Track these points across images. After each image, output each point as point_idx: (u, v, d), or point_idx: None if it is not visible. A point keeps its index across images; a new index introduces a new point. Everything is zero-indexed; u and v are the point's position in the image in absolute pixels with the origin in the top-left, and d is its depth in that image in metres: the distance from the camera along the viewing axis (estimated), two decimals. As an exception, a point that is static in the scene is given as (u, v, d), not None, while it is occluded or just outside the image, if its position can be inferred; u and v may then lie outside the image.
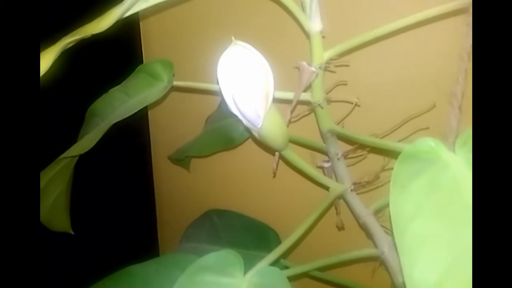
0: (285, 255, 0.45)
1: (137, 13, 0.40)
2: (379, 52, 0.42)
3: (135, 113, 0.40)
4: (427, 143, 0.26)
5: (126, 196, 0.67)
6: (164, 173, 0.65)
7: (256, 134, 0.34)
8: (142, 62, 0.56)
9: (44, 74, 0.23)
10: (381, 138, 0.42)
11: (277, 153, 0.39)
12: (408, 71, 0.43)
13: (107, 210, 0.66)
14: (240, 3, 0.47)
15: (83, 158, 0.46)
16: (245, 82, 0.29)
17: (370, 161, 0.44)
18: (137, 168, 0.67)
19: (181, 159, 0.59)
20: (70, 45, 0.24)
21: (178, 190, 0.65)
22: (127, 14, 0.26)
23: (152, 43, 0.55)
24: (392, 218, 0.24)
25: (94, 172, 0.62)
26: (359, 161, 0.45)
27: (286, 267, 0.41)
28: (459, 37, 0.35)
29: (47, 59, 0.22)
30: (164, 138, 0.63)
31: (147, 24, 0.54)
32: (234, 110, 0.32)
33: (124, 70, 0.46)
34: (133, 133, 0.64)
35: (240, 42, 0.28)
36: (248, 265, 0.31)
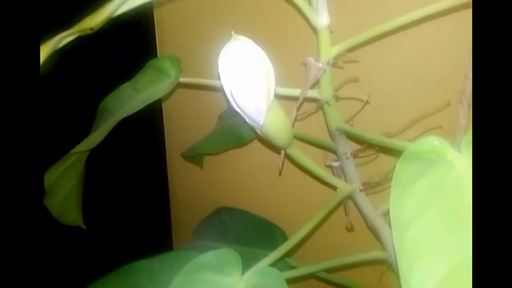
0: (290, 254, 0.45)
1: (151, 4, 0.40)
2: (390, 47, 0.40)
3: (149, 109, 0.41)
4: (431, 142, 0.24)
5: (140, 192, 0.68)
6: (179, 170, 0.65)
7: (259, 132, 0.33)
8: (156, 55, 0.57)
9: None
10: (392, 137, 0.41)
11: (282, 151, 0.38)
12: (421, 66, 0.41)
13: (121, 205, 0.67)
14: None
15: (98, 154, 0.47)
16: (245, 78, 0.29)
17: (381, 161, 0.43)
18: (152, 165, 0.68)
19: (194, 156, 0.59)
20: (64, 42, 0.24)
21: (192, 187, 0.65)
22: (122, 10, 0.26)
23: (166, 37, 0.55)
24: (391, 220, 0.23)
25: (108, 167, 0.63)
26: (370, 161, 0.43)
27: (293, 267, 0.41)
28: (468, 31, 0.34)
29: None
30: (179, 135, 0.64)
31: (161, 17, 0.54)
32: (235, 107, 0.31)
33: (139, 64, 0.47)
34: (148, 130, 0.65)
35: (240, 37, 0.28)
36: (253, 263, 0.31)
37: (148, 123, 0.64)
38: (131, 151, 0.65)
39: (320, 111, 0.43)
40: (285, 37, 0.45)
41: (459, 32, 0.39)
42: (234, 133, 0.51)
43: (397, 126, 0.41)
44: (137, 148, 0.66)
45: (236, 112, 0.49)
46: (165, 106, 0.62)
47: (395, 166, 0.42)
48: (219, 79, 0.31)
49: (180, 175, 0.66)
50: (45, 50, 0.22)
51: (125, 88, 0.45)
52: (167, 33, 0.55)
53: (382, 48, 0.40)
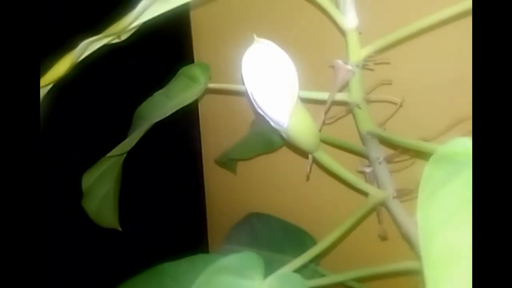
0: (319, 261, 0.44)
1: (188, 14, 0.40)
2: (422, 47, 0.39)
3: (187, 116, 0.41)
4: (463, 143, 0.23)
5: (177, 197, 0.69)
6: (214, 175, 0.66)
7: (284, 135, 0.33)
8: (193, 61, 0.58)
9: (65, 79, 0.24)
10: (428, 142, 0.39)
11: (310, 156, 0.38)
12: (456, 68, 0.39)
13: (157, 210, 0.69)
14: (274, 1, 0.46)
15: (136, 158, 0.48)
16: (267, 81, 0.28)
17: (416, 168, 0.41)
18: (188, 170, 0.69)
19: (226, 162, 0.60)
20: (91, 50, 0.25)
21: (226, 193, 0.66)
22: (149, 16, 0.27)
23: (202, 44, 0.56)
24: (419, 225, 0.21)
25: (145, 171, 0.65)
26: (405, 167, 0.41)
27: (323, 275, 0.40)
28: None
29: (63, 65, 0.23)
30: (215, 141, 0.65)
31: (197, 23, 0.55)
32: (259, 110, 0.31)
33: (175, 70, 0.48)
34: (185, 135, 0.67)
35: (261, 40, 0.28)
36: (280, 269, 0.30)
37: (185, 129, 0.65)
38: (168, 156, 0.67)
39: (351, 116, 0.42)
40: (313, 40, 0.45)
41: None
42: (265, 138, 0.51)
43: (432, 130, 0.39)
44: (173, 153, 0.68)
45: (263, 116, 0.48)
46: (201, 112, 0.63)
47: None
48: (243, 83, 0.31)
49: (216, 181, 0.67)
50: (70, 58, 0.23)
51: (159, 96, 0.47)
52: (203, 39, 0.56)
53: (414, 48, 0.38)
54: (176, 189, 0.69)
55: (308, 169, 0.38)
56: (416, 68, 0.41)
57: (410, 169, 0.42)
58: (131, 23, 0.25)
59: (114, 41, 0.27)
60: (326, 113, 0.37)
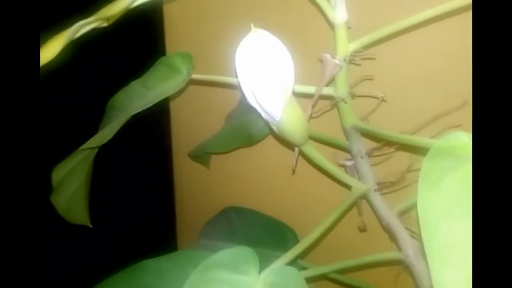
0: (302, 255, 0.44)
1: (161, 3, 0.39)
2: (406, 44, 0.40)
3: (157, 108, 0.40)
4: (460, 138, 0.24)
5: (146, 191, 0.67)
6: (185, 168, 0.64)
7: (275, 128, 0.33)
8: (164, 52, 0.56)
9: (55, 63, 0.22)
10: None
11: (296, 149, 0.38)
12: (438, 64, 0.40)
13: (126, 204, 0.66)
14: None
15: (104, 152, 0.46)
16: (264, 72, 0.28)
17: (395, 161, 0.42)
18: (158, 163, 0.67)
19: (200, 155, 0.58)
20: (80, 34, 0.24)
21: (198, 186, 0.64)
22: (138, 2, 0.25)
23: (175, 33, 0.55)
24: (420, 218, 0.22)
25: (114, 166, 0.63)
26: (384, 160, 0.43)
27: (304, 268, 0.40)
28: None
29: (53, 48, 0.22)
30: (186, 133, 0.63)
31: (170, 12, 0.54)
32: (253, 102, 0.31)
33: (147, 61, 0.46)
34: (155, 128, 0.64)
35: (259, 30, 0.27)
36: (264, 264, 0.30)
37: (155, 121, 0.63)
38: (138, 149, 0.65)
39: (334, 109, 0.42)
40: (300, 33, 0.44)
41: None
42: (244, 131, 0.51)
43: (412, 125, 0.40)
44: (143, 146, 0.65)
45: (250, 108, 0.48)
46: (172, 104, 0.61)
47: (409, 166, 0.42)
48: (235, 74, 0.30)
49: (187, 174, 0.65)
50: (62, 40, 0.21)
51: (135, 85, 0.45)
52: (176, 29, 0.54)
53: (398, 45, 0.39)
54: (144, 182, 0.67)
55: (294, 163, 0.38)
56: (397, 65, 0.42)
57: (387, 163, 0.43)
58: (129, 5, 0.23)
59: (103, 25, 0.25)
60: (313, 106, 0.37)
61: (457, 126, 0.38)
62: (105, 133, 0.39)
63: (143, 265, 0.36)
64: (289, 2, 0.44)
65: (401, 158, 0.42)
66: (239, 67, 0.29)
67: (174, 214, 0.68)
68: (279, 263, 0.29)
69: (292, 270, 0.28)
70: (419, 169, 0.42)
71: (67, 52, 0.29)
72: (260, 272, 0.28)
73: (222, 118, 0.55)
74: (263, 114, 0.31)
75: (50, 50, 0.22)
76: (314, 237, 0.33)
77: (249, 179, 0.57)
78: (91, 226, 0.51)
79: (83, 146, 0.41)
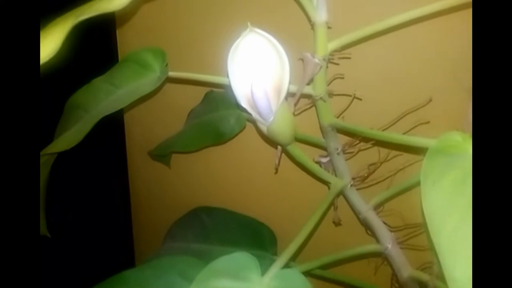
0: (277, 253, 0.44)
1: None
2: (378, 45, 0.41)
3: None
4: (454, 137, 0.25)
5: (100, 195, 0.63)
6: (141, 170, 0.61)
7: (264, 128, 0.32)
8: (116, 51, 0.52)
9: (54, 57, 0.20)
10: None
11: (279, 148, 0.38)
12: (410, 64, 0.43)
13: (80, 209, 0.62)
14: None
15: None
16: (262, 73, 0.27)
17: (366, 155, 0.44)
18: (111, 165, 0.64)
19: (164, 155, 0.56)
20: (77, 22, 0.21)
21: (156, 188, 0.61)
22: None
23: (127, 29, 0.51)
24: (425, 215, 0.23)
25: (63, 168, 0.58)
26: (354, 154, 0.44)
27: (288, 267, 0.40)
28: (467, 29, 0.35)
29: (56, 40, 0.19)
30: (140, 132, 0.60)
31: (121, 17, 0.50)
32: (244, 103, 0.30)
33: (97, 60, 0.43)
34: (107, 127, 0.60)
35: (256, 29, 0.26)
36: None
37: (107, 119, 0.60)
38: (89, 150, 0.60)
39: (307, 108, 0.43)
40: (281, 31, 0.44)
41: (446, 34, 0.41)
42: (214, 129, 0.49)
43: (384, 122, 0.42)
44: (95, 147, 0.61)
45: (218, 106, 0.46)
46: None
47: (379, 159, 0.43)
48: (226, 73, 0.29)
49: (143, 176, 0.62)
50: (62, 34, 0.19)
51: (99, 83, 0.41)
52: (127, 26, 0.51)
53: (370, 46, 0.40)
54: (97, 185, 0.63)
55: (277, 162, 0.38)
56: (371, 63, 0.43)
57: (359, 157, 0.44)
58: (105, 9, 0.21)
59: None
60: (295, 105, 0.37)
61: (427, 123, 0.41)
62: (73, 136, 0.36)
63: (125, 275, 0.34)
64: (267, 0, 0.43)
65: (371, 153, 0.44)
66: (232, 66, 0.28)
67: (130, 217, 0.65)
68: (277, 266, 0.29)
69: (295, 272, 0.28)
70: (388, 161, 0.44)
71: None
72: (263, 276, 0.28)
73: (179, 116, 0.53)
74: (255, 116, 0.30)
75: (50, 45, 0.19)
76: (304, 235, 0.33)
77: (215, 178, 0.56)
78: (49, 235, 0.47)
79: (45, 151, 0.37)
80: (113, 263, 0.63)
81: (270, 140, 0.34)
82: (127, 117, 0.59)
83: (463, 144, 0.25)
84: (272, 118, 0.30)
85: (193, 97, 0.51)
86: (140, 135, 0.59)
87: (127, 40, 0.51)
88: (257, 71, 0.27)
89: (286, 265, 0.42)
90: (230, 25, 0.33)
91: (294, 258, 0.36)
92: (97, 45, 0.53)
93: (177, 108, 0.53)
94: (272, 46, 0.27)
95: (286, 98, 0.31)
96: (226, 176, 0.55)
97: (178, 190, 0.59)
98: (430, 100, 0.42)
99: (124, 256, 0.64)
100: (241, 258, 0.28)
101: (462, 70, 0.38)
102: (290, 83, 0.36)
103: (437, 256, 0.22)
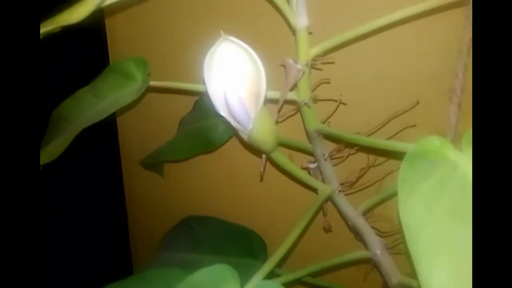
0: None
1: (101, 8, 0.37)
2: (365, 48, 0.41)
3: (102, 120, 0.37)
4: (433, 142, 0.25)
5: (95, 204, 0.63)
6: (136, 179, 0.61)
7: (244, 137, 0.32)
8: (108, 60, 0.53)
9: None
10: (367, 136, 0.41)
11: (264, 156, 0.37)
12: (396, 67, 0.42)
13: (74, 219, 0.62)
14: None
15: (45, 164, 0.42)
16: (236, 81, 0.27)
17: (354, 160, 0.43)
18: (106, 174, 0.63)
19: (155, 163, 0.56)
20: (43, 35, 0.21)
21: (151, 197, 0.61)
22: (107, 3, 0.23)
23: (119, 39, 0.52)
24: (402, 222, 0.22)
25: (59, 178, 0.58)
26: (343, 160, 0.44)
27: (277, 275, 0.40)
28: (455, 31, 0.35)
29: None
30: (134, 141, 0.60)
31: (113, 19, 0.50)
32: (222, 111, 0.29)
33: (89, 69, 0.43)
34: (101, 137, 0.60)
35: (230, 37, 0.26)
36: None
37: (101, 129, 0.59)
38: (83, 160, 0.60)
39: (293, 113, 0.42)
40: (262, 38, 0.44)
41: (435, 35, 0.40)
42: (203, 137, 0.49)
43: (371, 126, 0.41)
44: (90, 157, 0.61)
45: (208, 115, 0.46)
46: (118, 111, 0.58)
47: (368, 164, 0.43)
48: (203, 81, 0.29)
49: (138, 185, 0.62)
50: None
51: (83, 94, 0.41)
52: (120, 37, 0.51)
53: (354, 50, 0.40)
54: (92, 195, 0.63)
55: (262, 169, 0.38)
56: (356, 68, 0.43)
57: (347, 163, 0.44)
58: (94, 9, 0.21)
59: (56, 31, 0.22)
60: (279, 112, 0.37)
61: (413, 126, 0.40)
62: (55, 148, 0.36)
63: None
64: (250, 7, 0.43)
65: (361, 158, 0.43)
66: (208, 75, 0.27)
67: (127, 226, 0.65)
68: (258, 278, 0.28)
69: (275, 284, 0.27)
70: (377, 166, 0.43)
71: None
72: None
73: (172, 124, 0.53)
74: (234, 124, 0.30)
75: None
76: (289, 244, 0.33)
77: (208, 187, 0.56)
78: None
79: (28, 164, 0.37)
80: (111, 271, 0.62)
81: (253, 149, 0.34)
82: (120, 127, 0.59)
83: (442, 149, 0.24)
84: (251, 126, 0.29)
85: (188, 105, 0.51)
86: (135, 144, 0.59)
87: (118, 45, 0.51)
88: (230, 78, 0.27)
89: (273, 273, 0.41)
90: (215, 33, 0.33)
91: (281, 263, 0.35)
92: (89, 51, 0.53)
93: (171, 116, 0.53)
94: (246, 53, 0.27)
95: (265, 103, 0.31)
96: (219, 184, 0.54)
97: (174, 198, 0.59)
98: (417, 103, 0.41)
99: (122, 264, 0.64)
100: (220, 270, 0.27)
101: (443, 72, 0.37)
102: (267, 89, 0.36)
103: (413, 264, 0.21)
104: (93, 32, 0.52)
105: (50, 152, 0.36)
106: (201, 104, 0.50)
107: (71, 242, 0.61)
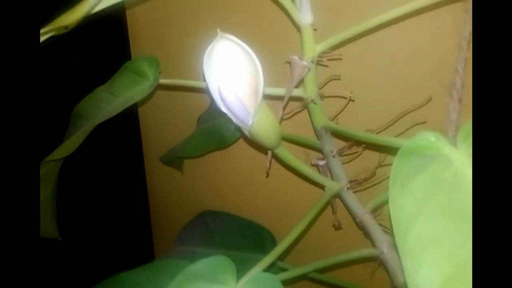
0: (282, 257, 0.44)
1: (123, 4, 0.38)
2: (373, 44, 0.40)
3: (125, 113, 0.39)
4: (427, 137, 0.24)
5: (119, 199, 0.66)
6: (157, 174, 0.63)
7: (246, 133, 0.32)
8: (130, 56, 0.54)
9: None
10: (377, 133, 0.41)
11: (269, 152, 0.38)
12: (404, 63, 0.41)
13: (99, 213, 0.64)
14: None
15: (72, 161, 0.44)
16: (233, 78, 0.27)
17: (365, 158, 0.43)
18: (129, 170, 0.66)
19: (173, 160, 0.57)
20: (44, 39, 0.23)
21: (172, 192, 0.63)
22: (101, 7, 0.24)
23: (140, 38, 0.53)
24: (392, 219, 0.22)
25: (84, 175, 0.60)
26: (354, 158, 0.43)
27: (284, 270, 0.40)
28: (456, 25, 0.34)
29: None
30: (156, 138, 0.62)
31: (134, 18, 0.52)
32: (223, 108, 0.30)
33: (112, 66, 0.45)
34: (124, 134, 0.63)
35: (226, 35, 0.27)
36: (243, 268, 0.30)
37: (124, 127, 0.62)
38: (107, 156, 0.63)
39: (304, 110, 0.42)
40: (268, 36, 0.44)
41: (441, 27, 0.39)
42: (216, 134, 0.50)
43: (381, 122, 0.41)
44: (113, 153, 0.64)
45: (220, 113, 0.47)
46: (140, 109, 0.60)
47: (379, 163, 0.42)
48: (203, 79, 0.29)
49: (159, 180, 0.64)
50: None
51: (101, 92, 0.43)
52: (141, 33, 0.53)
53: (365, 45, 0.39)
54: (116, 190, 0.65)
55: (268, 165, 0.38)
56: (364, 64, 0.42)
57: (356, 160, 0.43)
58: (88, 12, 0.22)
59: (61, 33, 0.24)
60: (284, 108, 0.37)
61: (423, 123, 0.39)
62: (70, 144, 0.38)
63: (121, 277, 0.35)
64: (255, 6, 0.44)
65: (372, 155, 0.43)
66: (207, 74, 0.28)
67: (149, 220, 0.67)
68: (257, 270, 0.29)
69: (270, 276, 0.28)
70: (389, 165, 0.43)
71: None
72: (238, 280, 0.28)
73: (192, 121, 0.55)
74: (234, 120, 0.31)
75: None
76: (291, 239, 0.33)
77: (224, 182, 0.57)
78: (60, 238, 0.49)
79: (48, 158, 0.39)
80: (134, 264, 0.65)
81: (257, 145, 0.34)
82: (142, 124, 0.61)
83: (436, 144, 0.24)
84: (251, 122, 0.30)
85: (208, 103, 0.52)
86: (157, 141, 0.61)
87: (139, 38, 0.53)
88: (227, 75, 0.27)
89: (279, 268, 0.42)
90: (220, 29, 0.34)
91: (283, 257, 0.36)
92: (110, 45, 0.55)
93: (191, 114, 0.54)
94: (243, 50, 0.27)
95: (271, 100, 0.32)
96: (232, 180, 0.55)
97: (193, 192, 0.60)
98: (430, 99, 0.40)
99: (145, 257, 0.66)
100: (218, 262, 0.28)
101: (442, 68, 0.36)
102: (272, 86, 0.36)
103: (401, 261, 0.21)
104: (114, 26, 0.54)
105: (66, 147, 0.38)
106: (214, 102, 0.52)
107: (95, 235, 0.64)
